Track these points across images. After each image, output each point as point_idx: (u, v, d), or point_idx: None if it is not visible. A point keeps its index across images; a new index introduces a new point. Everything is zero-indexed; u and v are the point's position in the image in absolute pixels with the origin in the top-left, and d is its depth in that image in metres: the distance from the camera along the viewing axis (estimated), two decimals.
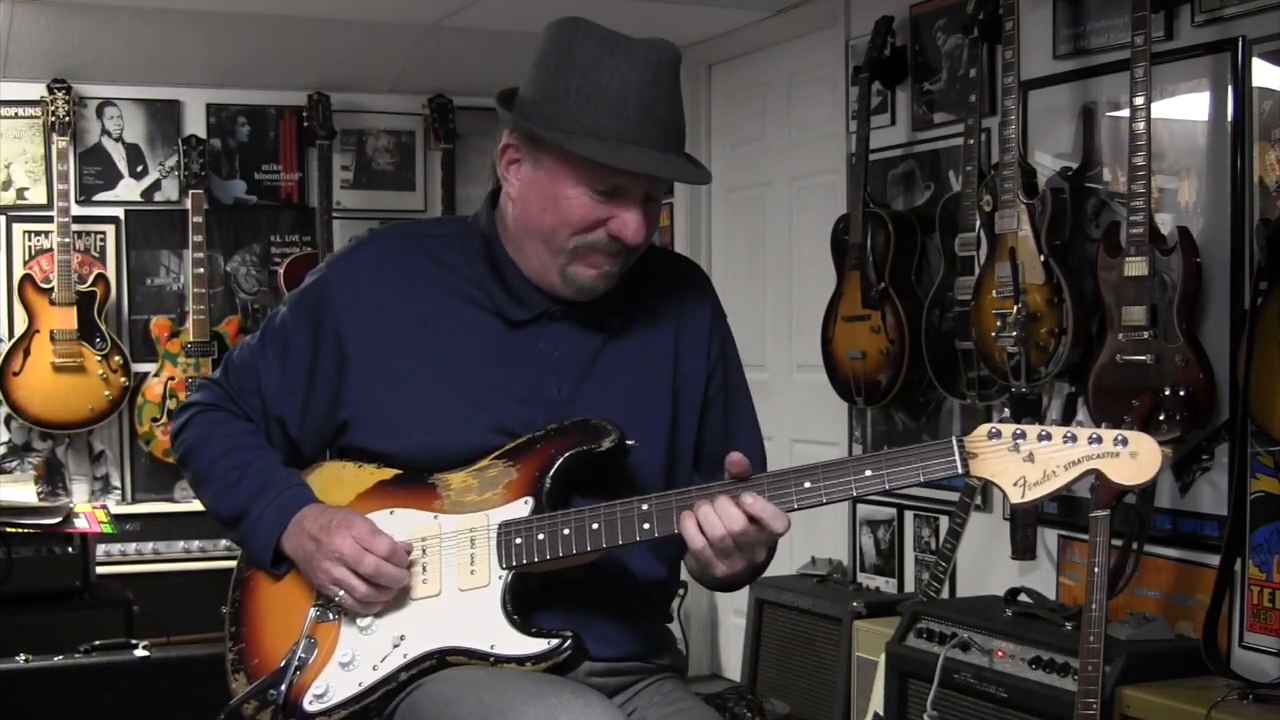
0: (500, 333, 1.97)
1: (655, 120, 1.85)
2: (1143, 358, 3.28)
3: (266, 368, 2.03)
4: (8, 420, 5.22)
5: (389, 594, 1.88)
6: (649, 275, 2.05)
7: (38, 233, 5.29)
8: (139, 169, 5.48)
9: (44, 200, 5.27)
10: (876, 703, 3.69)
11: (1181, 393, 3.18)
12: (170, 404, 5.27)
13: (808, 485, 1.78)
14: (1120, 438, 1.69)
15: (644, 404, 1.98)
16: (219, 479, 2.01)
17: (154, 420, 5.29)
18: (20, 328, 5.17)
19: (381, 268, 2.00)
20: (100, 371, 5.20)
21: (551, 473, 1.88)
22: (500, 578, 1.86)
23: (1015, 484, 1.72)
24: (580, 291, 1.94)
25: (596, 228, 1.89)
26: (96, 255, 5.38)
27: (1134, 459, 1.69)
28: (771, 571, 2.02)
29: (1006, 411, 3.66)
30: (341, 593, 1.88)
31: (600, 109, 1.84)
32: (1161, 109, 3.34)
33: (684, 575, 2.05)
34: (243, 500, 1.98)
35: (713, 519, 1.77)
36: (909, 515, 4.40)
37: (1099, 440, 1.69)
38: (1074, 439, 1.70)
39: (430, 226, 2.11)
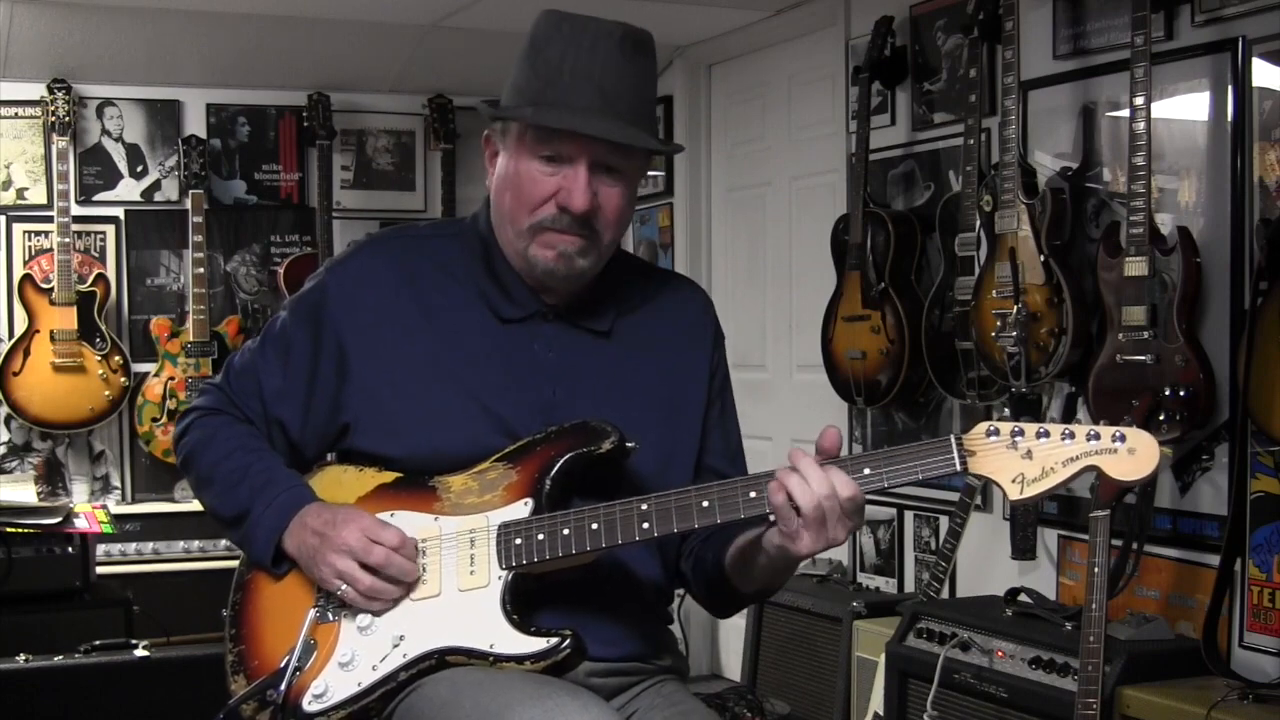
0: (495, 331, 1.97)
1: (590, 83, 1.87)
2: (1143, 358, 3.28)
3: (267, 371, 2.03)
4: (8, 420, 5.22)
5: (394, 589, 1.87)
6: (650, 289, 2.07)
7: (38, 233, 5.29)
8: (139, 169, 5.48)
9: (44, 200, 5.27)
10: (876, 703, 3.69)
11: (1181, 393, 3.18)
12: (170, 404, 5.27)
13: None
14: (1118, 434, 1.69)
15: (640, 407, 1.98)
16: (220, 481, 2.01)
17: (154, 420, 5.29)
18: (20, 328, 5.17)
19: (380, 271, 2.00)
20: (100, 371, 5.20)
21: (552, 474, 1.88)
22: (500, 578, 1.85)
23: (1013, 481, 1.72)
24: (547, 276, 1.94)
25: (548, 201, 1.91)
26: (96, 255, 5.38)
27: (1132, 455, 1.69)
28: None
29: (1007, 411, 3.67)
30: (344, 586, 1.87)
31: (542, 79, 1.88)
32: (1161, 109, 3.34)
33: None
34: (244, 500, 1.98)
35: (803, 487, 1.72)
36: (909, 515, 4.39)
37: (1097, 437, 1.69)
38: (1072, 436, 1.70)
39: (428, 229, 2.12)
